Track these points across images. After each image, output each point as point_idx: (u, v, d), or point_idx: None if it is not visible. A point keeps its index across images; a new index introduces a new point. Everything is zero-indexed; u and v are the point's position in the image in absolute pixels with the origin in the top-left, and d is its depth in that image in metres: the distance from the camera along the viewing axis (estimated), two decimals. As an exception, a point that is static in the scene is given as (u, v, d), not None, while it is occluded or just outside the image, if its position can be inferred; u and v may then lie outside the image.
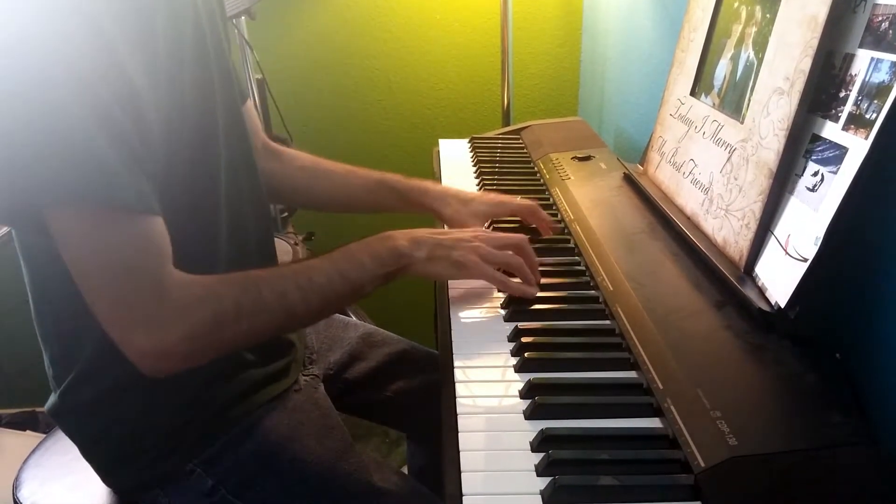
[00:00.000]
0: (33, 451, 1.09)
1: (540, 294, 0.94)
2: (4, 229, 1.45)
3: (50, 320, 0.88)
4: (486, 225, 1.14)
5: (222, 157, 0.89)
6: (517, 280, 0.95)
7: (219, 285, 0.80)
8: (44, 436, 1.13)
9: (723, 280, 0.86)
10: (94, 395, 0.88)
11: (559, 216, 1.19)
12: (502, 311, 0.93)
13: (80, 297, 0.79)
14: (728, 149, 0.94)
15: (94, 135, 0.69)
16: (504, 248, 0.95)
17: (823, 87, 0.78)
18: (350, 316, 1.63)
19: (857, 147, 0.70)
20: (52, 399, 0.91)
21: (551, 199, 1.26)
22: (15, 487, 1.02)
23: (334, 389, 1.09)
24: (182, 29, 0.81)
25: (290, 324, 0.87)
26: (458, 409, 0.75)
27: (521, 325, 0.88)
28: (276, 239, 1.67)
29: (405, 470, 1.34)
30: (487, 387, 0.79)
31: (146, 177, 0.74)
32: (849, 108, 0.73)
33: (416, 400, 1.17)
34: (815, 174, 0.76)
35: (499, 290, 0.97)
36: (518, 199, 1.16)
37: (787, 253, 0.77)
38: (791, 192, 0.80)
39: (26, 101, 0.68)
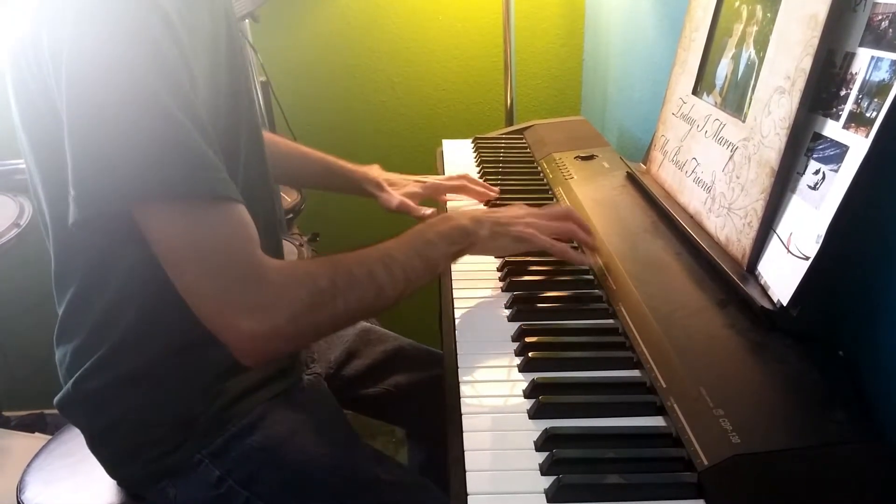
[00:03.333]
0: (38, 454, 1.09)
1: (543, 293, 0.95)
2: (12, 233, 1.46)
3: (81, 306, 0.89)
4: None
5: (241, 165, 0.90)
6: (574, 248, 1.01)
7: (312, 266, 0.83)
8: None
9: (725, 278, 0.86)
10: (108, 382, 0.89)
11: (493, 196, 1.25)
12: (506, 311, 0.93)
13: (124, 283, 0.83)
14: (730, 147, 0.94)
15: (188, 127, 0.71)
16: (554, 219, 1.00)
17: (824, 86, 0.78)
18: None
19: (858, 145, 0.70)
20: (64, 391, 0.92)
21: (555, 199, 1.27)
22: (19, 489, 1.03)
23: (333, 386, 1.11)
24: (218, 31, 0.83)
25: (379, 302, 0.88)
26: (463, 409, 0.75)
27: (525, 324, 0.88)
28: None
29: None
30: (492, 386, 0.79)
31: (224, 164, 0.76)
32: (849, 106, 0.73)
33: (413, 395, 1.19)
34: (817, 172, 0.76)
35: (558, 258, 1.00)
36: (447, 177, 1.29)
37: (789, 251, 0.78)
38: (793, 191, 0.80)
39: (116, 101, 0.68)
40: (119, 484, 0.97)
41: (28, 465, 1.07)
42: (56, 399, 0.94)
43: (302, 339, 0.84)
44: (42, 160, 0.81)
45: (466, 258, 0.96)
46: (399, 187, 1.27)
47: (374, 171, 1.31)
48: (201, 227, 0.73)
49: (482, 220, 0.95)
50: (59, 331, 0.92)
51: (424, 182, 1.28)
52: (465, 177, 1.27)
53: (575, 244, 1.03)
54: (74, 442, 0.99)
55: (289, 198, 2.08)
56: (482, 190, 1.27)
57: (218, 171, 0.73)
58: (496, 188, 1.29)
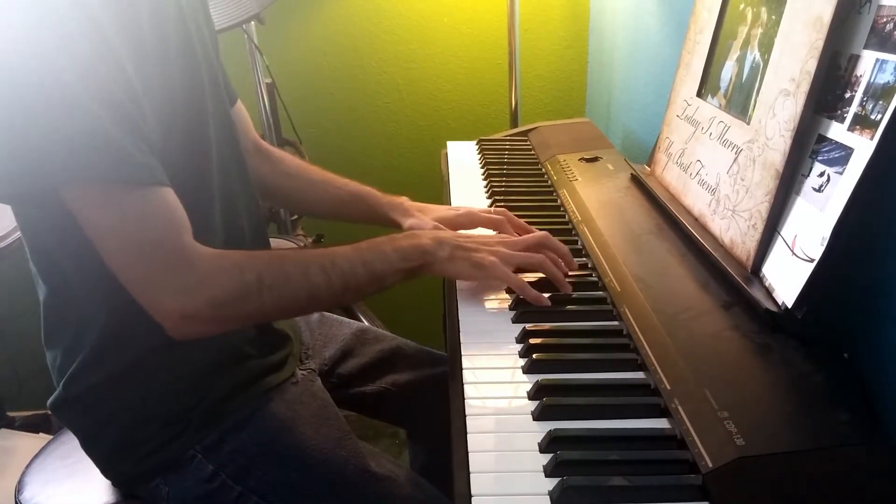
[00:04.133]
0: (37, 455, 1.10)
1: (548, 294, 0.95)
2: (16, 235, 1.47)
3: (56, 310, 0.90)
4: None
5: (214, 161, 0.92)
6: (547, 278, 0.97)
7: (243, 258, 0.85)
8: (55, 438, 1.15)
9: (730, 280, 0.86)
10: (98, 381, 0.90)
11: (567, 217, 1.19)
12: (511, 313, 0.93)
13: (84, 283, 0.85)
14: (735, 150, 0.94)
15: (99, 113, 0.73)
16: (525, 248, 0.98)
17: (829, 88, 0.78)
18: (360, 319, 1.65)
19: (863, 147, 0.70)
20: (56, 393, 0.93)
21: (559, 201, 1.27)
22: (17, 490, 1.03)
23: (328, 384, 1.11)
24: (165, 26, 0.84)
25: (311, 303, 0.92)
26: (467, 411, 0.75)
27: (530, 326, 0.88)
28: (286, 241, 1.69)
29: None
30: (496, 388, 0.79)
31: (152, 152, 0.78)
32: (854, 108, 0.73)
33: (412, 394, 1.20)
34: (822, 175, 0.76)
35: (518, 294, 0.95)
36: (486, 210, 1.16)
37: (793, 253, 0.78)
38: (797, 193, 0.80)
39: (31, 84, 0.71)
40: (113, 483, 0.97)
41: (27, 466, 1.08)
42: (49, 401, 0.94)
43: (226, 325, 0.85)
44: None
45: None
46: (430, 213, 1.19)
47: (402, 200, 1.22)
48: (119, 211, 0.76)
49: (445, 241, 0.95)
50: (45, 334, 0.93)
51: (459, 210, 1.18)
52: (504, 213, 1.14)
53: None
54: (73, 443, 0.99)
55: (293, 199, 2.08)
56: (520, 228, 1.13)
57: (131, 157, 0.75)
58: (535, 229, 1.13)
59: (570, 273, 1.00)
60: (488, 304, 0.97)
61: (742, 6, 1.01)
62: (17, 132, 0.72)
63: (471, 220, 1.15)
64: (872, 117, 0.70)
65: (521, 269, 0.97)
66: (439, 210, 1.19)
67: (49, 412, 0.95)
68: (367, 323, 1.30)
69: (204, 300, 0.79)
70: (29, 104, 0.71)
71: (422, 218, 1.16)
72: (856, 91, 0.74)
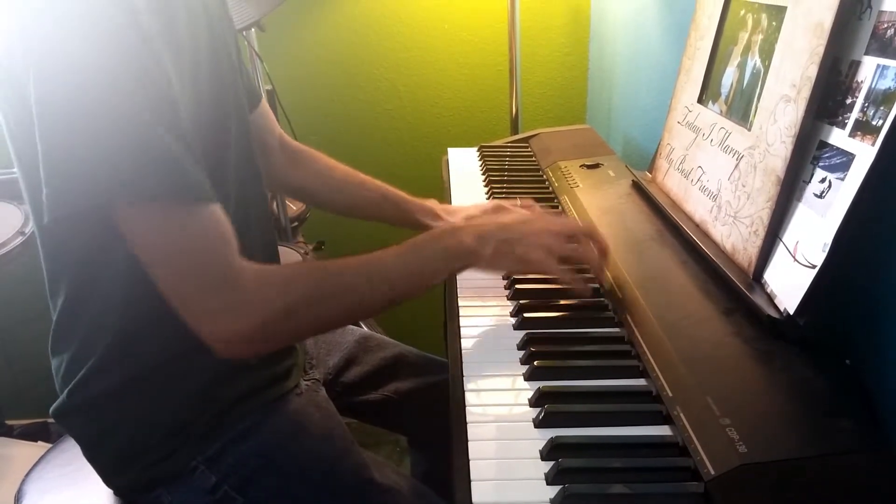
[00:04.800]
0: (36, 463, 1.09)
1: (549, 301, 0.95)
2: (17, 241, 1.46)
3: (69, 317, 0.90)
4: None
5: (232, 168, 0.91)
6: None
7: (291, 273, 0.84)
8: (53, 446, 1.14)
9: (732, 287, 0.86)
10: (103, 390, 0.89)
11: None
12: (512, 320, 0.93)
13: (104, 293, 0.83)
14: (736, 156, 0.94)
15: (158, 129, 0.71)
16: (572, 238, 0.97)
17: (830, 94, 0.78)
18: (360, 324, 1.64)
19: (864, 153, 0.70)
20: (59, 400, 0.93)
21: (560, 207, 1.27)
22: (17, 498, 1.03)
23: (332, 393, 1.11)
24: (197, 31, 0.84)
25: (357, 314, 0.92)
26: (468, 418, 0.75)
27: (531, 332, 0.88)
28: (286, 248, 1.69)
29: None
30: (497, 395, 0.79)
31: (201, 166, 0.76)
32: (855, 114, 0.73)
33: (414, 402, 1.19)
34: (823, 181, 0.76)
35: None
36: (513, 204, 1.18)
37: (795, 260, 0.77)
38: (799, 199, 0.80)
39: (90, 98, 0.69)
40: (115, 492, 0.96)
41: (27, 475, 1.07)
42: (52, 408, 0.94)
43: (276, 343, 0.85)
44: (24, 167, 0.81)
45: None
46: (457, 214, 1.21)
47: (431, 203, 1.24)
48: (172, 229, 0.75)
49: (487, 237, 0.92)
50: (53, 340, 0.92)
51: (486, 207, 1.20)
52: (531, 205, 1.18)
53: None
54: (73, 452, 0.99)
55: (294, 206, 2.08)
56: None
57: (188, 174, 0.74)
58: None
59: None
60: (490, 311, 0.96)
61: (743, 12, 1.01)
62: (74, 151, 0.69)
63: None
64: (874, 123, 0.70)
65: (564, 261, 0.95)
66: (467, 210, 1.19)
67: (48, 420, 0.94)
68: (371, 330, 1.30)
69: (254, 320, 0.78)
70: (85, 122, 0.69)
71: (450, 221, 1.17)
72: (857, 97, 0.74)
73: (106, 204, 0.72)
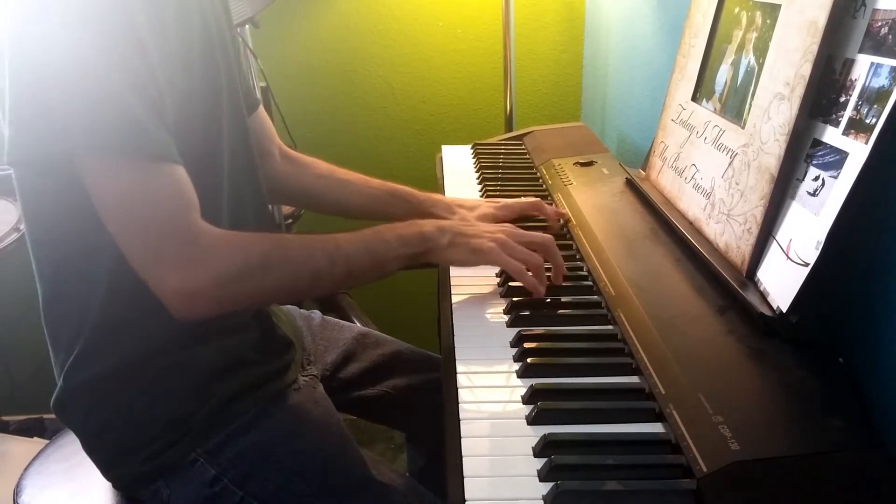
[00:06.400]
0: (35, 458, 1.09)
1: (542, 299, 0.95)
2: (12, 237, 1.46)
3: (56, 300, 0.90)
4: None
5: (225, 168, 0.91)
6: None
7: (249, 239, 0.85)
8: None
9: (725, 285, 0.86)
10: (95, 376, 0.90)
11: (561, 222, 1.19)
12: (505, 317, 0.93)
13: (84, 266, 0.85)
14: (729, 154, 0.94)
15: (121, 87, 0.74)
16: (529, 246, 0.98)
17: (824, 92, 0.78)
18: (354, 321, 1.64)
19: (858, 152, 0.70)
20: (57, 389, 0.93)
21: (554, 205, 1.27)
22: (16, 494, 1.03)
23: (330, 389, 1.11)
24: (190, 28, 0.85)
25: (314, 286, 0.92)
26: (461, 415, 0.75)
27: (524, 330, 0.88)
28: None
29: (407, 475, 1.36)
30: (490, 392, 0.79)
31: (167, 129, 0.78)
32: (849, 112, 0.73)
33: (411, 399, 1.20)
34: (816, 179, 0.76)
35: (514, 278, 0.97)
36: (521, 200, 1.20)
37: (788, 258, 0.78)
38: (792, 197, 0.80)
39: (57, 52, 0.72)
40: (113, 485, 0.97)
41: (25, 470, 1.07)
42: (52, 400, 0.94)
43: (227, 305, 0.85)
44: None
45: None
46: (471, 209, 1.21)
47: (442, 196, 1.25)
48: (129, 184, 0.77)
49: (446, 228, 0.96)
50: (49, 335, 0.93)
51: (497, 202, 1.21)
52: (537, 202, 1.20)
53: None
54: (71, 447, 0.99)
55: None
56: (553, 213, 1.20)
57: (149, 132, 0.76)
58: (565, 212, 1.21)
59: (564, 276, 0.99)
60: (483, 308, 0.96)
61: (737, 10, 1.02)
62: (39, 98, 0.73)
63: (510, 211, 1.18)
64: (867, 121, 0.70)
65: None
66: (480, 206, 1.21)
67: (44, 416, 0.94)
68: (369, 327, 1.30)
69: (208, 277, 0.79)
70: (53, 72, 0.72)
71: (464, 214, 1.18)
72: (850, 95, 0.74)
73: (63, 153, 0.75)
